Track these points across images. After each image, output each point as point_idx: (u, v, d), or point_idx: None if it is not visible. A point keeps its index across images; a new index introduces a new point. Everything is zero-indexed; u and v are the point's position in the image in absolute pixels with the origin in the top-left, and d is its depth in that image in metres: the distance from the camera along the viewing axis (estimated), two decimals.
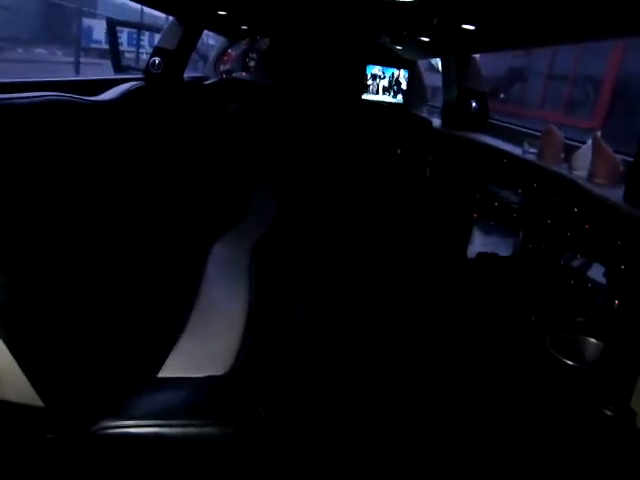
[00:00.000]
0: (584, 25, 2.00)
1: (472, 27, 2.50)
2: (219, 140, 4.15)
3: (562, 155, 2.28)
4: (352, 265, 3.64)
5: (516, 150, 2.77)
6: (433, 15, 2.73)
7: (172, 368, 1.70)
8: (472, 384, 2.41)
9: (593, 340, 1.74)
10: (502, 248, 2.81)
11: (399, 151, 4.63)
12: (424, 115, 4.43)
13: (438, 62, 4.08)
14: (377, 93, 4.72)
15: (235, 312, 2.08)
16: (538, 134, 3.02)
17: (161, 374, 1.67)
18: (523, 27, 2.43)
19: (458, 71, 3.34)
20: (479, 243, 2.91)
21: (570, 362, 1.71)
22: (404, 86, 4.65)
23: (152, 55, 3.18)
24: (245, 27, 4.10)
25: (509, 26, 2.53)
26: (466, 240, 3.13)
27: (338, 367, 2.52)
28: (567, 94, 8.88)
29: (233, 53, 5.29)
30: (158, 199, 2.71)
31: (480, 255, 2.76)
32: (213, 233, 2.90)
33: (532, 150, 2.46)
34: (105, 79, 2.83)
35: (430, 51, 3.72)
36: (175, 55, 3.20)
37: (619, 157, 1.90)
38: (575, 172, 2.06)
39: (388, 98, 4.71)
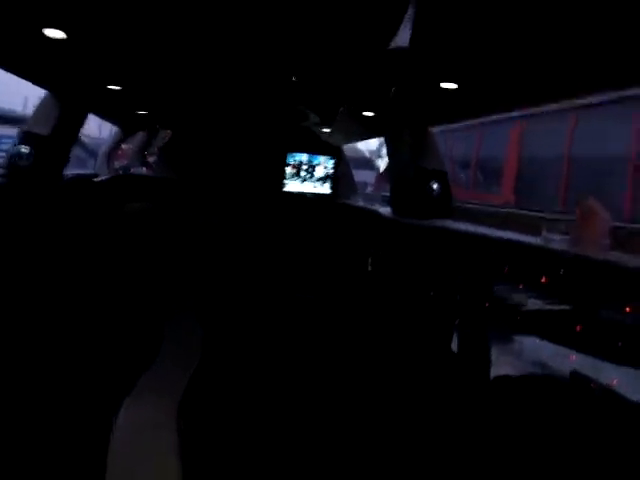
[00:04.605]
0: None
1: (454, 85, 1.94)
2: (115, 251, 3.23)
3: (607, 240, 1.69)
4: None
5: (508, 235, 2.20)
6: (391, 81, 2.17)
7: None
8: None
9: None
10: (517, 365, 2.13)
11: (336, 249, 3.94)
12: (361, 204, 3.84)
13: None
14: (301, 182, 4.11)
15: None
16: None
17: None
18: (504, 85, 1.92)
19: (413, 148, 2.78)
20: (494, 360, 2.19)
21: None
22: (331, 174, 4.10)
23: (18, 142, 2.28)
24: (143, 112, 3.35)
25: (493, 84, 2.02)
26: (448, 356, 2.41)
27: None
28: (472, 175, 9.02)
29: (127, 147, 4.50)
30: (28, 340, 1.85)
31: (499, 378, 2.03)
32: (115, 389, 1.93)
33: (555, 237, 1.85)
34: None
35: (371, 129, 3.15)
36: (50, 142, 2.32)
37: None
38: None
39: (315, 188, 4.12)
